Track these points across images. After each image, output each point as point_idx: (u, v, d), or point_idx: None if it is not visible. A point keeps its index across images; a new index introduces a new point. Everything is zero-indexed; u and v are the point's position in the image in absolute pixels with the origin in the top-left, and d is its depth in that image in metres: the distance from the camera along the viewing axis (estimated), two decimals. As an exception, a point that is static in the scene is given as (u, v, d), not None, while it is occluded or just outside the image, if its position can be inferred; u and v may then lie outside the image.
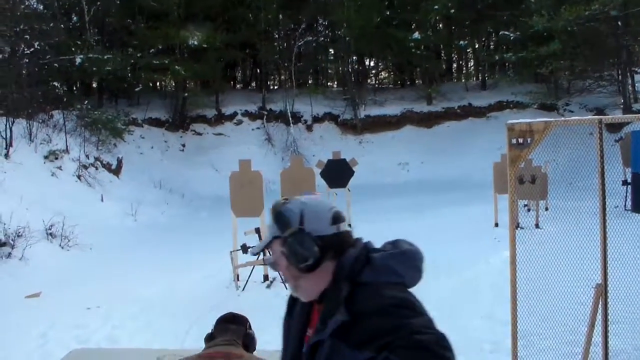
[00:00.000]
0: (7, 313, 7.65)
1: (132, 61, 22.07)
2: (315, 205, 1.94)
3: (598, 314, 4.38)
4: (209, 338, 2.77)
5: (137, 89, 24.66)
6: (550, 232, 10.42)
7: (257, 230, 8.51)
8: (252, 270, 8.65)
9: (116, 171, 18.37)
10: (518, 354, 4.64)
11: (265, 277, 8.93)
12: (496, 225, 11.92)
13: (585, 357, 4.62)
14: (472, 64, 34.01)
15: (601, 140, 4.07)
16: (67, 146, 15.93)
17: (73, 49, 19.53)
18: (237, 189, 9.00)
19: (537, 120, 4.05)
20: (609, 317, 4.29)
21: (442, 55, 31.43)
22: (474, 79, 31.50)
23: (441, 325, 5.58)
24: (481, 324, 6.54)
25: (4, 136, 13.67)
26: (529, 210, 12.80)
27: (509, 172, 4.22)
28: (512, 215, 4.36)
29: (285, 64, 28.82)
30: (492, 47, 30.06)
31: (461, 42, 28.79)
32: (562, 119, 3.69)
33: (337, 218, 1.93)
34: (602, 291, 4.28)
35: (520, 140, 4.08)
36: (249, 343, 2.78)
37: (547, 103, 23.62)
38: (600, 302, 4.32)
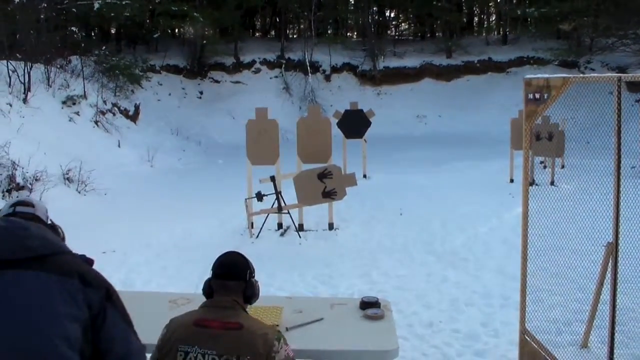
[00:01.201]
0: (25, 255, 7.79)
1: (151, 7, 21.87)
2: None
3: (608, 272, 4.38)
4: (208, 290, 2.77)
5: (155, 36, 24.51)
6: (565, 190, 10.37)
7: (272, 179, 8.55)
8: (266, 218, 8.72)
9: (133, 117, 18.42)
10: (527, 309, 4.68)
11: (279, 225, 9.01)
12: (511, 181, 11.89)
13: (592, 314, 4.65)
14: (493, 18, 33.39)
15: (619, 99, 4.00)
16: (84, 92, 15.95)
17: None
18: (253, 137, 9.01)
19: (555, 76, 3.99)
20: (618, 275, 4.29)
21: (464, 7, 30.84)
22: (495, 33, 30.96)
23: (452, 279, 5.67)
24: (492, 279, 6.59)
25: (23, 81, 13.69)
26: (545, 167, 12.71)
27: (524, 127, 4.18)
28: (525, 171, 4.34)
29: (305, 13, 28.46)
30: (514, 1, 29.42)
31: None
32: (581, 75, 3.63)
33: None
34: (612, 249, 4.28)
35: (537, 96, 4.03)
36: (250, 295, 2.77)
37: (568, 60, 23.21)
38: (611, 261, 4.31)
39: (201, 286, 2.83)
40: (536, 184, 11.69)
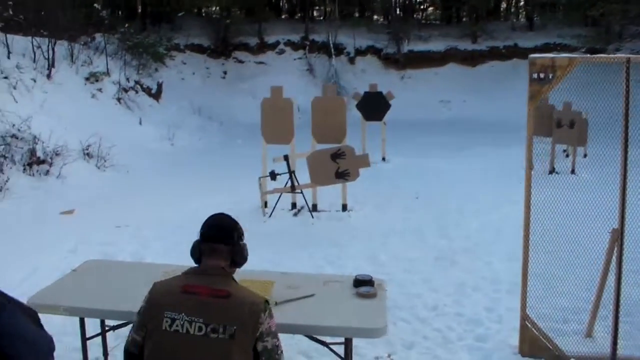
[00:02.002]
0: (41, 227, 7.91)
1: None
2: None
3: (613, 260, 4.32)
4: (196, 252, 2.75)
5: (180, 15, 24.55)
6: (585, 179, 10.26)
7: (286, 158, 8.55)
8: (279, 198, 8.74)
9: (156, 95, 18.51)
10: (535, 294, 4.65)
11: (293, 205, 9.02)
12: (531, 168, 11.74)
13: (596, 302, 4.60)
14: (520, 3, 32.88)
15: (628, 81, 3.93)
16: (107, 69, 16.05)
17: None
18: (269, 115, 9.01)
19: (561, 55, 3.93)
20: (624, 264, 4.23)
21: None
22: (522, 18, 30.49)
23: (461, 264, 5.63)
24: (502, 265, 6.54)
25: (47, 57, 13.82)
26: (567, 155, 12.53)
27: (527, 107, 4.13)
28: (529, 154, 4.32)
29: (330, -5, 28.34)
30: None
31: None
32: (588, 55, 3.56)
33: None
34: (617, 236, 4.22)
35: (542, 75, 3.97)
36: (239, 258, 2.76)
37: (596, 47, 22.76)
38: (616, 247, 4.25)
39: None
40: (556, 172, 11.56)
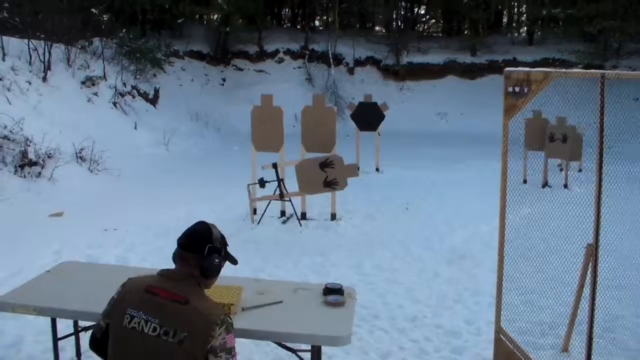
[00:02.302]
0: (29, 229, 7.92)
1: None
2: None
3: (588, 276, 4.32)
4: (173, 256, 2.78)
5: (179, 21, 24.62)
6: (577, 194, 10.29)
7: (274, 165, 8.57)
8: (267, 205, 8.75)
9: (153, 101, 18.53)
10: (515, 308, 4.66)
11: (282, 213, 9.03)
12: (524, 182, 11.77)
13: (572, 317, 4.60)
14: (517, 18, 32.92)
15: (602, 97, 3.94)
16: (104, 73, 16.08)
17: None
18: (259, 123, 9.04)
19: (536, 70, 3.94)
20: (602, 279, 4.23)
21: (491, 5, 30.40)
22: (521, 32, 30.53)
23: (445, 276, 5.63)
24: (486, 277, 6.49)
25: (43, 60, 13.85)
26: (561, 170, 12.55)
27: (503, 121, 4.14)
28: (504, 167, 4.32)
29: (329, 4, 28.38)
30: (540, 0, 28.93)
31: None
32: (563, 70, 3.57)
33: None
34: (592, 251, 4.22)
35: (517, 89, 3.98)
36: (206, 269, 2.73)
37: (594, 63, 22.82)
38: (591, 263, 4.25)
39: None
40: (549, 186, 11.59)
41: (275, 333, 3.21)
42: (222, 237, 2.88)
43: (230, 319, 2.66)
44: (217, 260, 2.78)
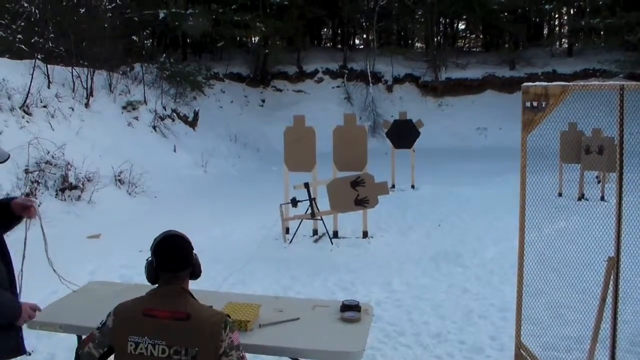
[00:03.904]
0: (67, 250, 8.10)
1: (214, 17, 22.39)
2: None
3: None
4: (153, 278, 2.78)
5: (219, 45, 25.09)
6: (613, 206, 10.12)
7: (306, 185, 8.66)
8: (299, 224, 8.84)
9: (192, 123, 18.86)
10: (542, 320, 4.63)
11: (314, 232, 9.11)
12: (560, 194, 11.63)
13: (595, 331, 4.55)
14: (558, 30, 32.56)
15: (622, 109, 3.94)
16: (145, 97, 16.48)
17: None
18: (291, 143, 9.17)
19: (554, 84, 3.96)
20: (626, 292, 4.19)
21: (530, 18, 30.17)
22: (561, 44, 30.21)
23: (473, 291, 5.59)
24: (513, 293, 6.46)
25: (85, 86, 14.28)
26: (599, 182, 12.37)
27: (521, 136, 4.16)
28: (522, 178, 4.33)
29: (367, 24, 28.57)
30: (579, 12, 28.57)
31: (547, 5, 27.41)
32: (581, 83, 3.55)
33: None
34: (614, 264, 4.19)
35: (535, 104, 4.00)
36: (197, 274, 2.85)
37: (636, 72, 22.42)
38: (612, 276, 4.22)
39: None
40: (585, 199, 11.43)
41: (290, 349, 3.26)
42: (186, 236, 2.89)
43: (230, 317, 2.74)
44: (196, 255, 2.86)
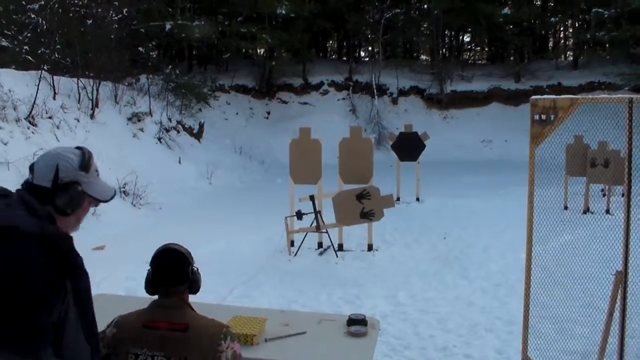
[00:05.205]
0: (72, 262, 8.13)
1: (220, 29, 22.47)
2: None
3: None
4: (151, 290, 2.73)
5: (225, 56, 25.17)
6: (619, 219, 10.07)
7: (312, 198, 8.65)
8: (304, 237, 8.82)
9: (197, 135, 18.90)
10: (548, 334, 4.58)
11: (319, 245, 9.08)
12: (565, 208, 11.59)
13: (603, 345, 4.51)
14: (563, 42, 32.61)
15: (630, 122, 3.92)
16: (150, 109, 16.51)
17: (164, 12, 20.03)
18: (297, 156, 9.16)
19: (562, 97, 3.94)
20: (628, 305, 4.15)
21: (536, 31, 30.23)
22: (566, 57, 30.24)
23: (479, 304, 5.58)
24: (519, 306, 6.42)
25: (91, 97, 14.32)
26: (604, 195, 12.33)
27: (530, 149, 4.14)
28: (530, 190, 4.31)
29: (372, 36, 28.64)
30: (584, 24, 28.61)
31: (552, 18, 27.47)
32: (590, 96, 3.54)
33: None
34: (621, 279, 4.16)
35: (543, 117, 3.99)
36: (196, 287, 2.75)
37: (641, 86, 22.42)
38: (620, 290, 4.19)
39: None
40: (591, 212, 11.38)
41: (291, 362, 3.25)
42: (186, 250, 2.82)
43: (229, 327, 2.72)
44: (196, 269, 2.78)
